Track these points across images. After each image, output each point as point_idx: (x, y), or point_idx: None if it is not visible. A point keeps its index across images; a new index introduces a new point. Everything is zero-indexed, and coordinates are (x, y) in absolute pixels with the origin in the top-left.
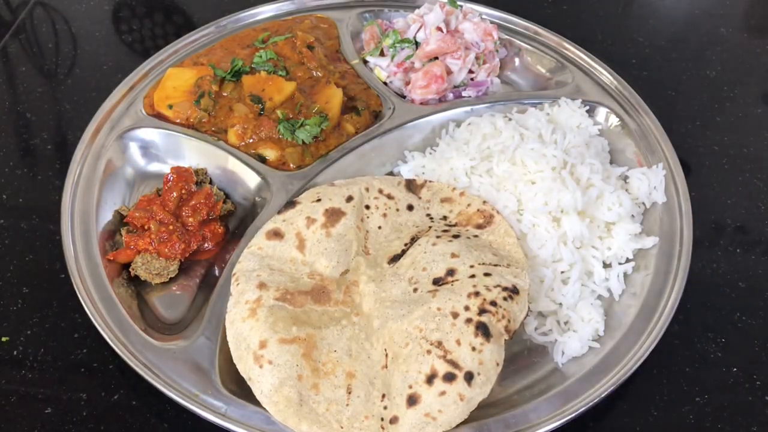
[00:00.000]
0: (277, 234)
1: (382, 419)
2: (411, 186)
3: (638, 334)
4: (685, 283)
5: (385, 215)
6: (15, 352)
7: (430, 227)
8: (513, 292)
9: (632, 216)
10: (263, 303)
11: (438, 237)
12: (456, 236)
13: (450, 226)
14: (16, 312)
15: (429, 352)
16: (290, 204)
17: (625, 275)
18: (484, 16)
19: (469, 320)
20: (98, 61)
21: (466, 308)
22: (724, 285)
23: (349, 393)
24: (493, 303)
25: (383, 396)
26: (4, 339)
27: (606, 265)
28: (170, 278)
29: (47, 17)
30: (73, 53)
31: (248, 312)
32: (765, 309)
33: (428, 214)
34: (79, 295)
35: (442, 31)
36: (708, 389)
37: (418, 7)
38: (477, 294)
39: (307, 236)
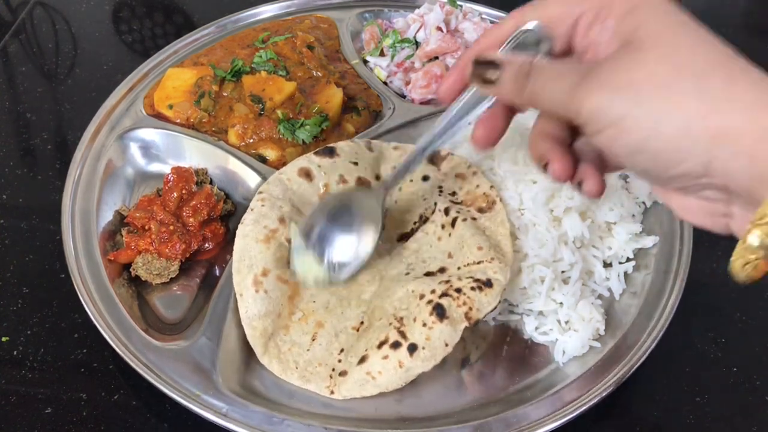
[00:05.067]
0: (308, 174)
1: (333, 369)
2: (434, 158)
3: (639, 334)
4: (685, 283)
5: (400, 189)
6: (15, 352)
7: (435, 205)
8: (485, 284)
9: (633, 216)
10: (278, 237)
11: (443, 228)
12: (457, 220)
13: (455, 203)
14: (16, 312)
15: (390, 324)
16: (329, 151)
17: (626, 274)
18: (484, 16)
19: (429, 301)
20: (98, 61)
21: (432, 291)
22: (724, 285)
23: (313, 340)
24: (458, 290)
25: (342, 350)
26: (4, 339)
27: (606, 265)
28: (171, 278)
29: (47, 17)
30: (73, 53)
31: (264, 237)
32: (765, 309)
33: (440, 187)
34: (79, 295)
35: (442, 31)
36: (708, 389)
37: (418, 7)
38: (447, 281)
39: (333, 191)
